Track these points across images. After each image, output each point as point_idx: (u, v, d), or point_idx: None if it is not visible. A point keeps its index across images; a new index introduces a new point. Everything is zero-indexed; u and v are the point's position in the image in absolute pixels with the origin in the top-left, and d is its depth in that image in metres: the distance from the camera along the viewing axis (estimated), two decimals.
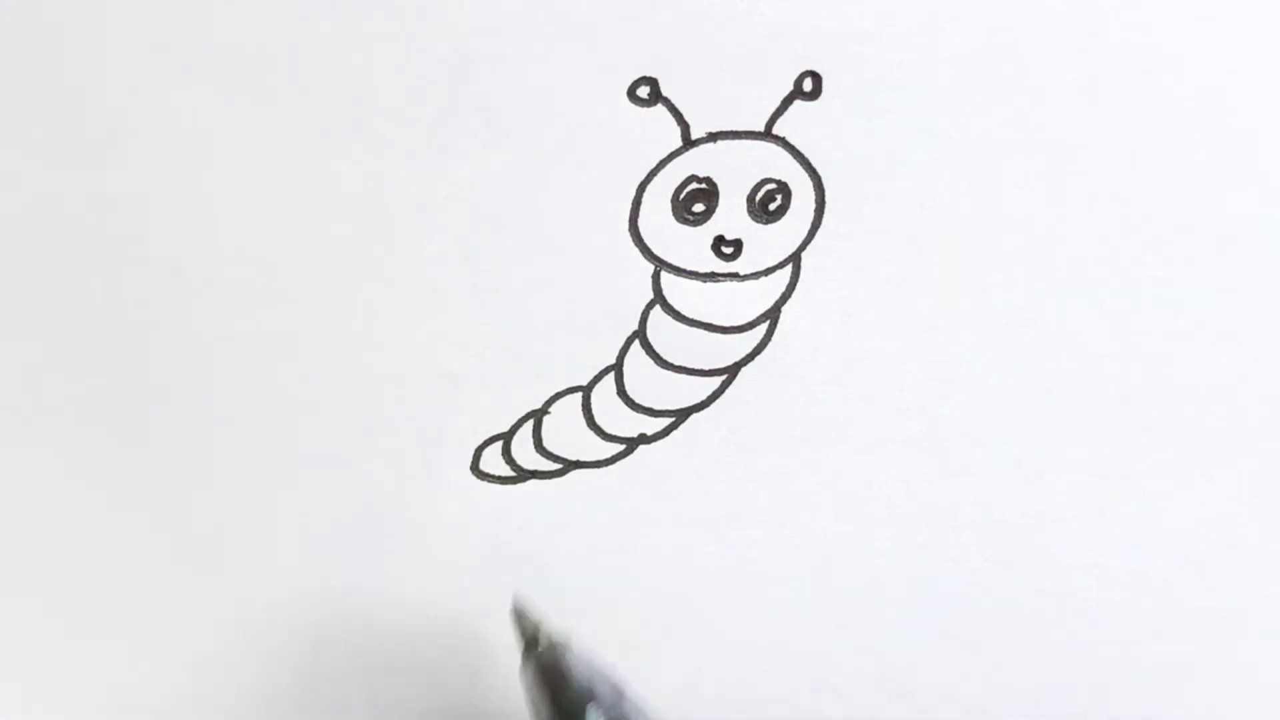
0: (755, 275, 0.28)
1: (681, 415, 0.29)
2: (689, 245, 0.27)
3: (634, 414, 0.29)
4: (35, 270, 0.26)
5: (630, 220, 0.27)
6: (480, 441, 0.29)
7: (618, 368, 0.28)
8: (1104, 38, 0.27)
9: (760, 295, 0.28)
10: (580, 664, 0.26)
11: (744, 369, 0.29)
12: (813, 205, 0.27)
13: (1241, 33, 0.27)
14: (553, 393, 0.28)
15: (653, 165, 0.27)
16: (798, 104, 0.26)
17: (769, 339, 0.28)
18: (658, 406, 0.29)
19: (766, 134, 0.26)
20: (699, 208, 0.27)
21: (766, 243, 0.28)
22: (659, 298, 0.28)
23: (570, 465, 0.29)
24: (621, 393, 0.29)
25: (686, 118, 0.26)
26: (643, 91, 0.26)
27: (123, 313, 0.26)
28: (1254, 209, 0.28)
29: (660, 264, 0.27)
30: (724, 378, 0.29)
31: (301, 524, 0.28)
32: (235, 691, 0.29)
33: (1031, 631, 0.31)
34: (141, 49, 0.24)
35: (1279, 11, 0.27)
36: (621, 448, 0.29)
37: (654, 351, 0.28)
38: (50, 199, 0.25)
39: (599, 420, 0.29)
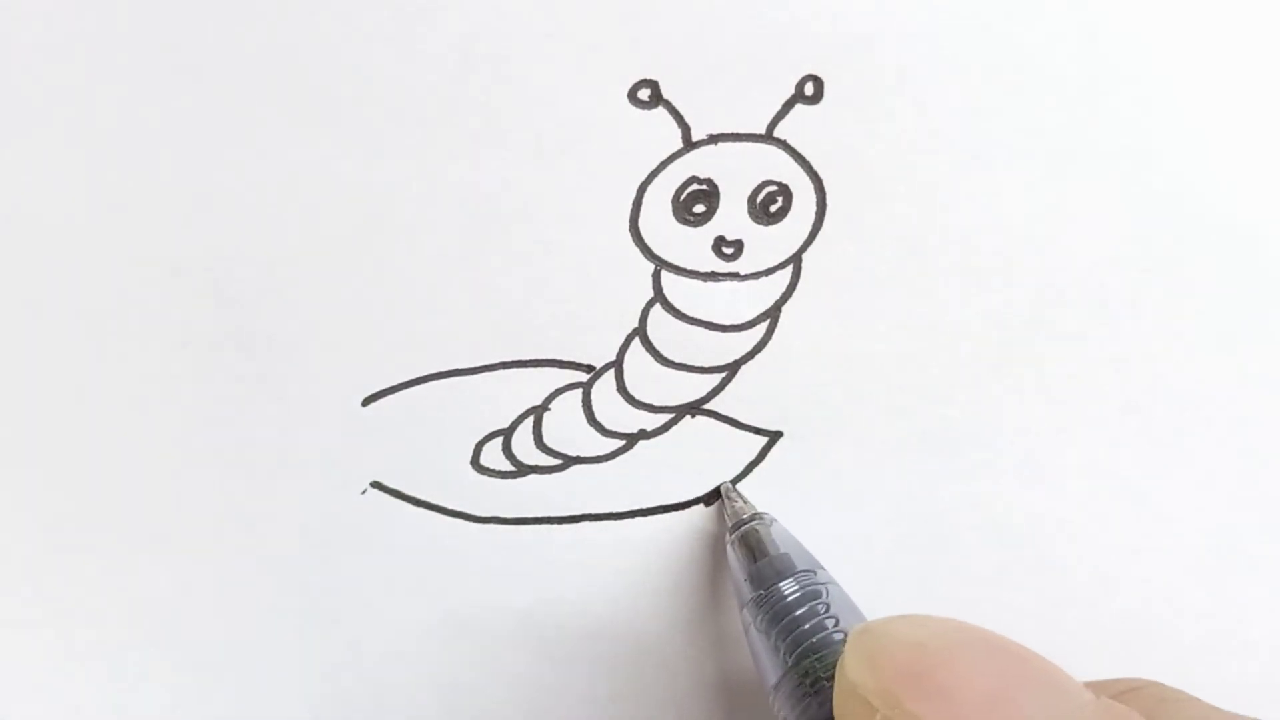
0: (756, 275, 0.28)
1: (681, 412, 0.29)
2: (690, 245, 0.27)
3: (634, 411, 0.29)
4: (34, 270, 0.26)
5: (631, 220, 0.27)
6: (481, 437, 0.29)
7: (618, 365, 0.28)
8: (1105, 39, 0.26)
9: (760, 295, 0.28)
10: (781, 538, 0.28)
11: (744, 367, 0.29)
12: (814, 207, 0.27)
13: (1241, 33, 0.27)
14: (553, 389, 0.29)
15: (653, 166, 0.26)
16: (799, 107, 0.26)
17: (769, 338, 0.28)
18: (657, 403, 0.29)
19: (768, 137, 0.26)
20: (700, 208, 0.27)
21: (767, 243, 0.27)
22: (659, 296, 0.28)
23: (570, 461, 0.29)
24: (622, 389, 0.29)
25: (687, 120, 0.26)
26: (644, 94, 0.26)
27: (121, 312, 0.26)
28: (1256, 210, 0.28)
29: (661, 263, 0.27)
30: (724, 375, 0.29)
31: (302, 520, 0.29)
32: (233, 686, 0.30)
33: (1031, 634, 0.31)
34: (142, 49, 0.24)
35: (1279, 11, 0.27)
36: (621, 444, 0.29)
37: (654, 349, 0.28)
38: (49, 199, 0.25)
39: (599, 416, 0.29)
